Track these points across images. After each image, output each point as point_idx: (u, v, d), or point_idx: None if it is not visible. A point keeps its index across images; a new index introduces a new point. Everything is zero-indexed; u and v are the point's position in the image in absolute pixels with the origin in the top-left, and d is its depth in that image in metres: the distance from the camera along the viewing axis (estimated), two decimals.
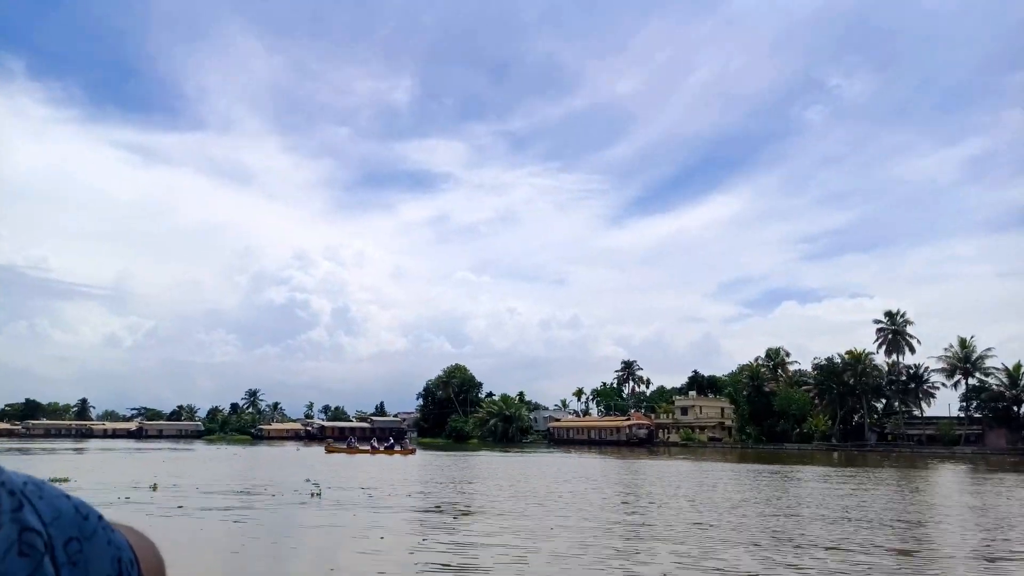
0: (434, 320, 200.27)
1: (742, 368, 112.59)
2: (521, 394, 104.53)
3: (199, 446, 79.10)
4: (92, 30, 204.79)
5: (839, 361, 77.61)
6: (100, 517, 0.63)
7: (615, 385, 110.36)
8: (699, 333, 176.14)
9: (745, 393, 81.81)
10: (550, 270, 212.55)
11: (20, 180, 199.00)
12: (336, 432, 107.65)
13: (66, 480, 23.85)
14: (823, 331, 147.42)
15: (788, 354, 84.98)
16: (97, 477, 26.19)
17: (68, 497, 0.62)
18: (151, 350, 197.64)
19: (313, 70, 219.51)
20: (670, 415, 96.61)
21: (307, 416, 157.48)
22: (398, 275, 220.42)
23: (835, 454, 63.76)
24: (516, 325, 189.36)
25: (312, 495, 21.46)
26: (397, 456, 49.39)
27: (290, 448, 69.12)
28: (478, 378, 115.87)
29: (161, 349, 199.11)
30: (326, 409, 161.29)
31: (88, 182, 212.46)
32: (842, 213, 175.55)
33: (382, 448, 53.21)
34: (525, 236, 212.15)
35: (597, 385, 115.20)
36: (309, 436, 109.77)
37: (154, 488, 22.76)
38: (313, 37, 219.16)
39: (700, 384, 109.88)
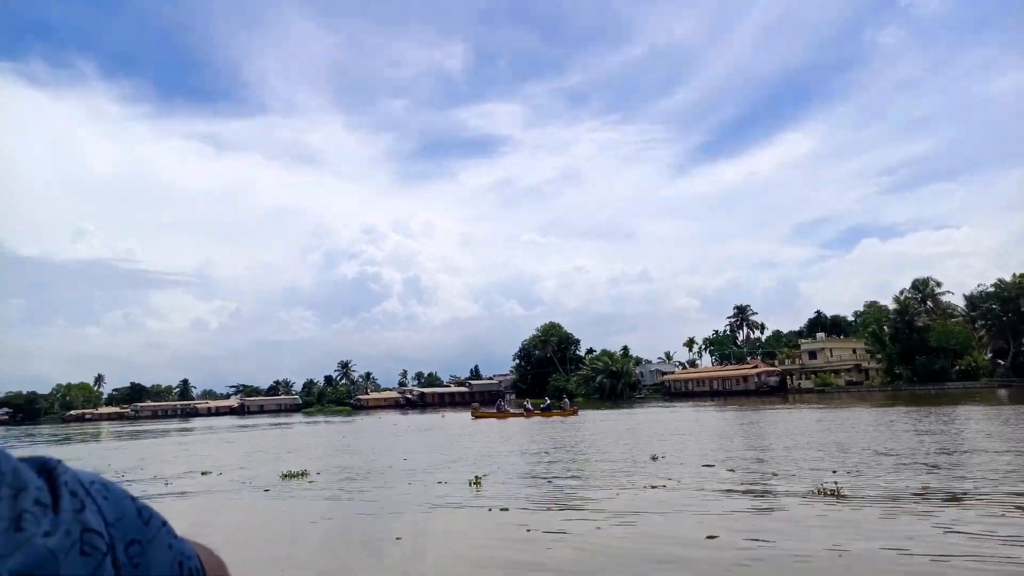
0: (504, 284, 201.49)
1: (869, 306, 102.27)
2: (625, 348, 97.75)
3: (306, 421, 76.47)
4: (154, 26, 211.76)
5: (1003, 286, 67.10)
6: (164, 523, 0.63)
7: (727, 332, 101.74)
8: (775, 279, 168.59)
9: (890, 329, 72.04)
10: (617, 225, 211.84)
11: (102, 178, 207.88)
12: (436, 398, 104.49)
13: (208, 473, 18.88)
14: (908, 267, 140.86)
15: (939, 284, 74.37)
16: (251, 469, 20.95)
17: (133, 499, 0.62)
18: (236, 331, 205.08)
19: (367, 45, 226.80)
20: (794, 360, 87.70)
21: (400, 384, 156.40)
22: (466, 242, 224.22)
23: (1003, 391, 53.99)
24: (586, 283, 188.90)
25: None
26: (556, 419, 42.43)
27: (432, 416, 63.21)
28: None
29: (246, 329, 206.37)
30: (419, 376, 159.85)
31: (165, 174, 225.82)
32: (922, 141, 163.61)
33: (538, 410, 46.80)
34: (589, 193, 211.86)
35: (704, 335, 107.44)
36: (409, 404, 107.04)
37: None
38: (364, 13, 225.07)
39: (823, 325, 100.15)
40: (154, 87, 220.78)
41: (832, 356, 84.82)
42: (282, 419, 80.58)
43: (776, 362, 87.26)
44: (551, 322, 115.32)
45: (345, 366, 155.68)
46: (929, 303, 72.99)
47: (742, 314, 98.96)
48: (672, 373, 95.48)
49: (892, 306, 73.73)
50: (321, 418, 73.22)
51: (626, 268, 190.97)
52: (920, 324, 68.47)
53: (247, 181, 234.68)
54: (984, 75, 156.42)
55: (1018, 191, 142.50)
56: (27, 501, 0.51)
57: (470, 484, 14.04)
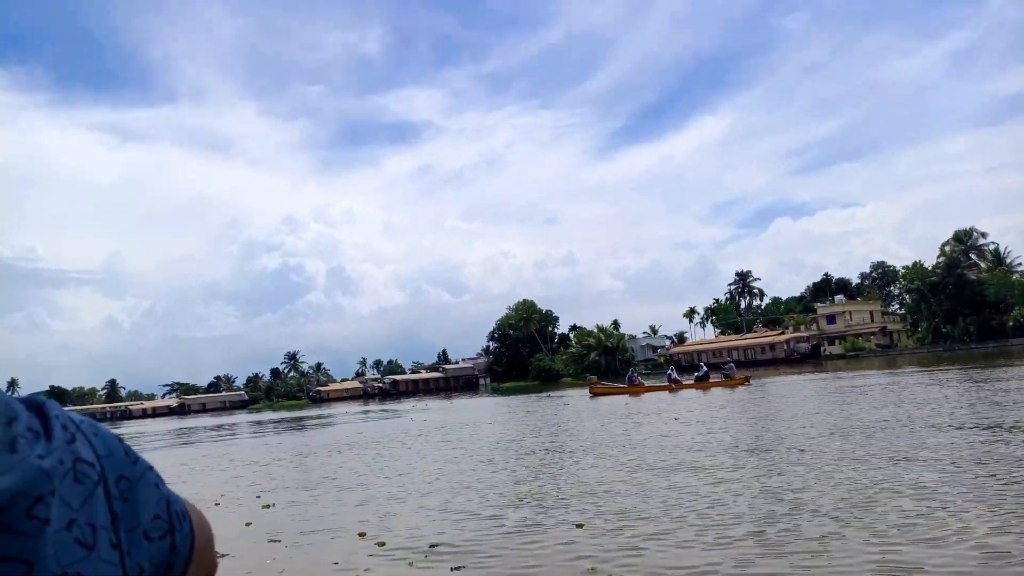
0: (430, 271, 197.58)
1: (875, 267, 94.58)
2: (615, 323, 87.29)
3: (252, 420, 63.27)
4: (48, 7, 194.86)
5: None
6: (151, 468, 0.64)
7: (727, 301, 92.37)
8: (694, 258, 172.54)
9: (934, 283, 63.22)
10: (540, 210, 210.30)
11: None
12: (410, 386, 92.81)
13: None
14: (817, 244, 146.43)
15: (984, 235, 65.68)
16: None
17: (120, 440, 0.63)
18: (151, 329, 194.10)
19: (279, 27, 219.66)
20: (806, 327, 78.79)
21: (358, 374, 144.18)
22: (389, 230, 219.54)
23: None
24: (512, 268, 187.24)
25: None
26: (718, 391, 31.39)
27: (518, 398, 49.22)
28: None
29: (161, 327, 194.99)
30: (377, 364, 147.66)
31: (66, 167, 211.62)
32: (828, 122, 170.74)
33: (690, 381, 35.62)
34: (512, 178, 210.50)
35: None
36: (382, 393, 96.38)
37: None
38: None
39: (828, 288, 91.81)
40: (50, 74, 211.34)
41: (852, 320, 76.17)
42: (225, 418, 67.86)
43: (790, 328, 78.01)
44: (525, 299, 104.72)
45: (293, 357, 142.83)
46: (973, 255, 64.27)
47: (743, 280, 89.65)
48: (677, 345, 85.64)
49: (935, 260, 64.90)
50: (270, 416, 60.48)
51: (551, 252, 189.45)
52: (972, 277, 59.66)
53: (155, 171, 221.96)
54: (884, 58, 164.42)
55: (915, 170, 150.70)
56: (20, 427, 0.51)
57: None
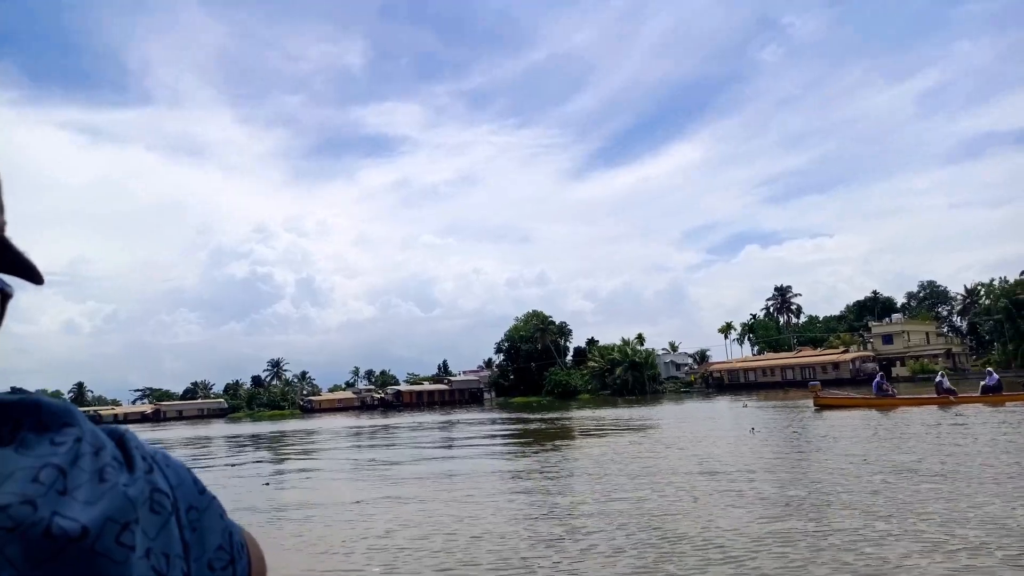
0: (401, 285, 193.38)
1: (925, 286, 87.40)
2: (640, 336, 78.92)
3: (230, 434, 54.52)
4: (24, 5, 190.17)
5: None
6: (215, 498, 0.65)
7: (766, 317, 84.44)
8: (665, 281, 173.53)
9: (1020, 302, 55.61)
10: (515, 228, 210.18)
11: None
12: (414, 397, 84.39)
13: None
14: (785, 273, 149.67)
15: None
16: None
17: (189, 470, 0.64)
18: (113, 334, 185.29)
19: (261, 37, 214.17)
20: (857, 347, 70.95)
21: (348, 384, 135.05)
22: (362, 242, 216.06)
23: None
24: (484, 285, 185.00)
25: None
26: (1019, 407, 23.00)
27: (716, 403, 39.48)
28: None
29: (123, 333, 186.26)
30: (369, 375, 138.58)
31: (35, 166, 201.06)
32: (800, 154, 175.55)
33: (946, 393, 26.81)
34: (488, 196, 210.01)
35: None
36: (384, 404, 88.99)
37: None
38: (258, 2, 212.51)
39: (870, 308, 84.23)
40: (23, 71, 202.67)
41: (910, 340, 68.41)
42: (201, 428, 59.14)
43: (840, 348, 70.03)
44: (534, 311, 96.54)
45: (276, 365, 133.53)
46: None
47: (782, 296, 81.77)
48: (722, 363, 77.24)
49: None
50: (249, 428, 51.86)
51: (524, 270, 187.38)
52: None
53: (126, 173, 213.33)
54: (857, 94, 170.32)
55: (881, 203, 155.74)
56: (107, 456, 0.54)
57: None
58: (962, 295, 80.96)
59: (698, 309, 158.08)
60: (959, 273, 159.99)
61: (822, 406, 27.97)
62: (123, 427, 0.60)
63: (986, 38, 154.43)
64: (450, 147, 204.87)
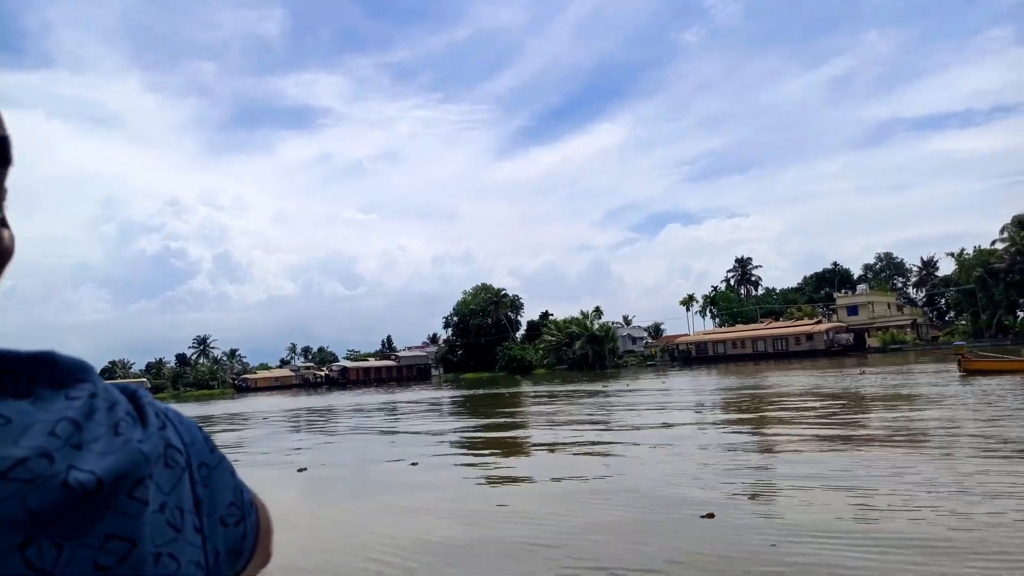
0: (324, 262, 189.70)
1: (881, 258, 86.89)
2: (598, 309, 75.08)
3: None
4: None
5: None
6: (225, 457, 0.66)
7: (727, 288, 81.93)
8: (589, 260, 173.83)
9: (993, 270, 54.02)
10: (440, 206, 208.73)
11: None
12: (361, 374, 79.00)
13: None
14: (705, 251, 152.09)
15: None
16: None
17: (200, 428, 0.65)
18: (11, 312, 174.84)
19: (173, 1, 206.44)
20: (820, 318, 69.13)
21: (284, 362, 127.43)
22: (282, 218, 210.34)
23: None
24: (409, 263, 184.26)
25: None
26: None
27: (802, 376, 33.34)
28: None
29: (23, 310, 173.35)
30: (306, 352, 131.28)
31: None
32: (718, 137, 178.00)
33: None
34: (412, 172, 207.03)
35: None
36: (329, 381, 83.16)
37: None
38: None
39: (829, 280, 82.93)
40: None
41: (875, 311, 66.93)
42: None
43: (815, 320, 68.06)
44: (484, 284, 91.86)
45: (203, 342, 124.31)
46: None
47: (743, 268, 79.38)
48: (687, 336, 74.22)
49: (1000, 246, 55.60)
50: (193, 411, 45.35)
51: (449, 248, 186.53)
52: None
53: (25, 142, 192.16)
54: (771, 80, 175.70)
55: (793, 187, 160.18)
56: (121, 412, 0.55)
57: None
58: (918, 267, 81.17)
59: (623, 286, 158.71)
60: (862, 254, 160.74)
61: (969, 370, 23.52)
62: (135, 385, 0.60)
63: (892, 28, 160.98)
64: (373, 121, 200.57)
